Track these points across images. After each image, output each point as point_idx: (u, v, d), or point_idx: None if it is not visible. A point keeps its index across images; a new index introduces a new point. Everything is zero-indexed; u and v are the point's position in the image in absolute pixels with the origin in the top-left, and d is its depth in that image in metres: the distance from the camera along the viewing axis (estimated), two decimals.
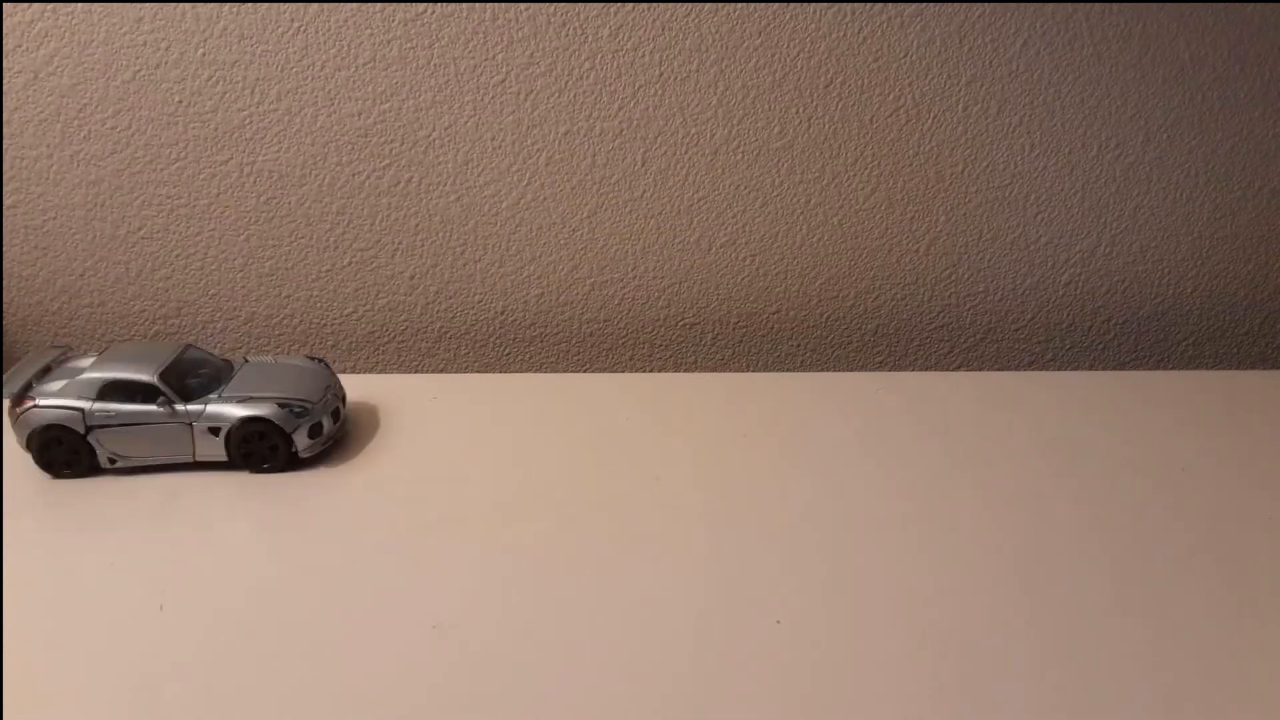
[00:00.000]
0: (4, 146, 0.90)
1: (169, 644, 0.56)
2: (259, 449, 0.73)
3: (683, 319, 0.99)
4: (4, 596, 0.59)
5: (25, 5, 0.86)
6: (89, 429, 0.72)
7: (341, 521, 0.68)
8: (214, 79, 0.89)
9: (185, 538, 0.66)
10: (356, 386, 0.87)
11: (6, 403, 0.74)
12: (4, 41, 0.86)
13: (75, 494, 0.71)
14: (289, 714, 0.51)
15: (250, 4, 0.87)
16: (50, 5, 0.86)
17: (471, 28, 0.89)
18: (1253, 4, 0.91)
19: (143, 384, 0.73)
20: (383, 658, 0.55)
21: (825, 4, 0.89)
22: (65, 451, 0.73)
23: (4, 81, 0.88)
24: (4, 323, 0.96)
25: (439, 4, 0.88)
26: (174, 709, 0.51)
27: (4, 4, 0.85)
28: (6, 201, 0.92)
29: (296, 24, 0.88)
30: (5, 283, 0.95)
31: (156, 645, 0.56)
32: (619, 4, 0.88)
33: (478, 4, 0.88)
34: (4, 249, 0.93)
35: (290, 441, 0.73)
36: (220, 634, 0.57)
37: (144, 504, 0.69)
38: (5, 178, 0.91)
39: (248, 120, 0.90)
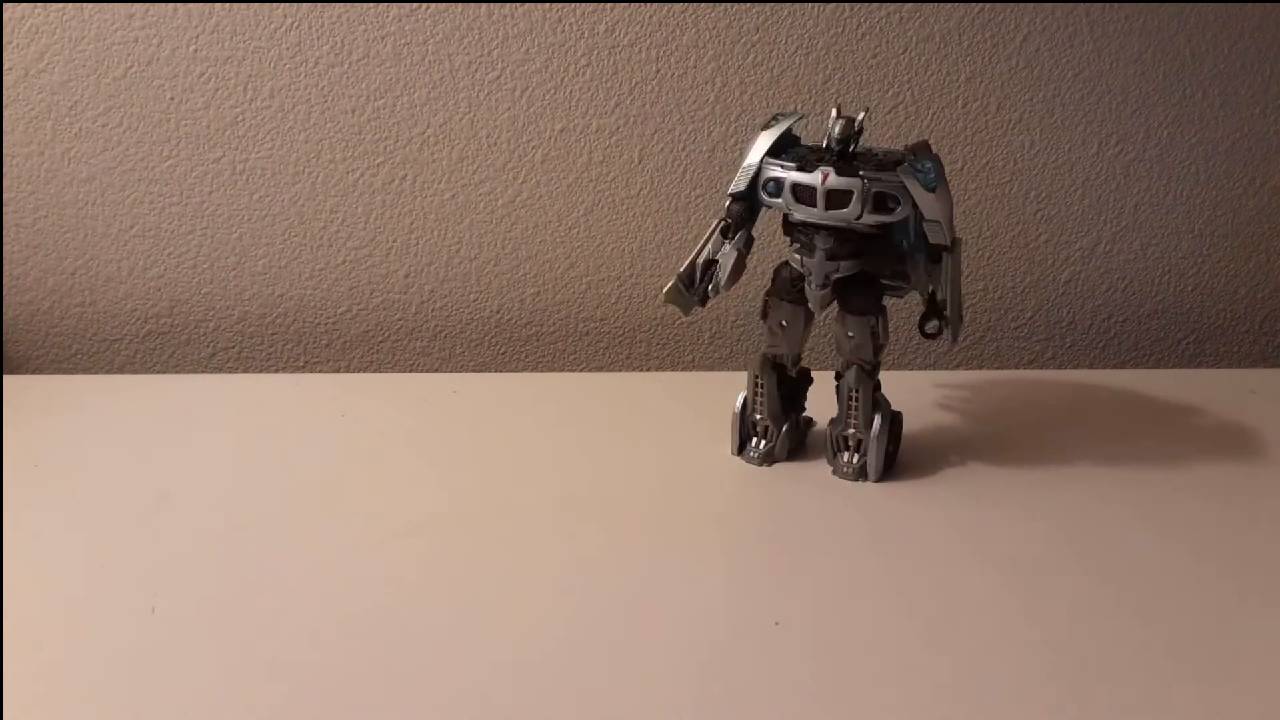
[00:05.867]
0: None
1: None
2: None
3: (680, 317, 0.99)
4: None
5: (16, 2, 0.85)
6: None
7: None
8: (206, 76, 0.88)
9: None
10: (353, 386, 0.87)
11: None
12: None
13: None
14: None
15: (243, 1, 0.86)
16: (41, 2, 0.85)
17: (466, 24, 0.88)
18: (1253, 1, 0.91)
19: None
20: (387, 668, 0.54)
21: (824, 1, 0.89)
22: None
23: None
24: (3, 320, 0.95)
25: (433, 1, 0.87)
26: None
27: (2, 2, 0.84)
28: None
29: (289, 20, 0.87)
30: None
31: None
32: (615, 1, 0.88)
33: (472, 1, 0.87)
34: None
35: None
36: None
37: None
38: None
39: (240, 117, 0.90)
